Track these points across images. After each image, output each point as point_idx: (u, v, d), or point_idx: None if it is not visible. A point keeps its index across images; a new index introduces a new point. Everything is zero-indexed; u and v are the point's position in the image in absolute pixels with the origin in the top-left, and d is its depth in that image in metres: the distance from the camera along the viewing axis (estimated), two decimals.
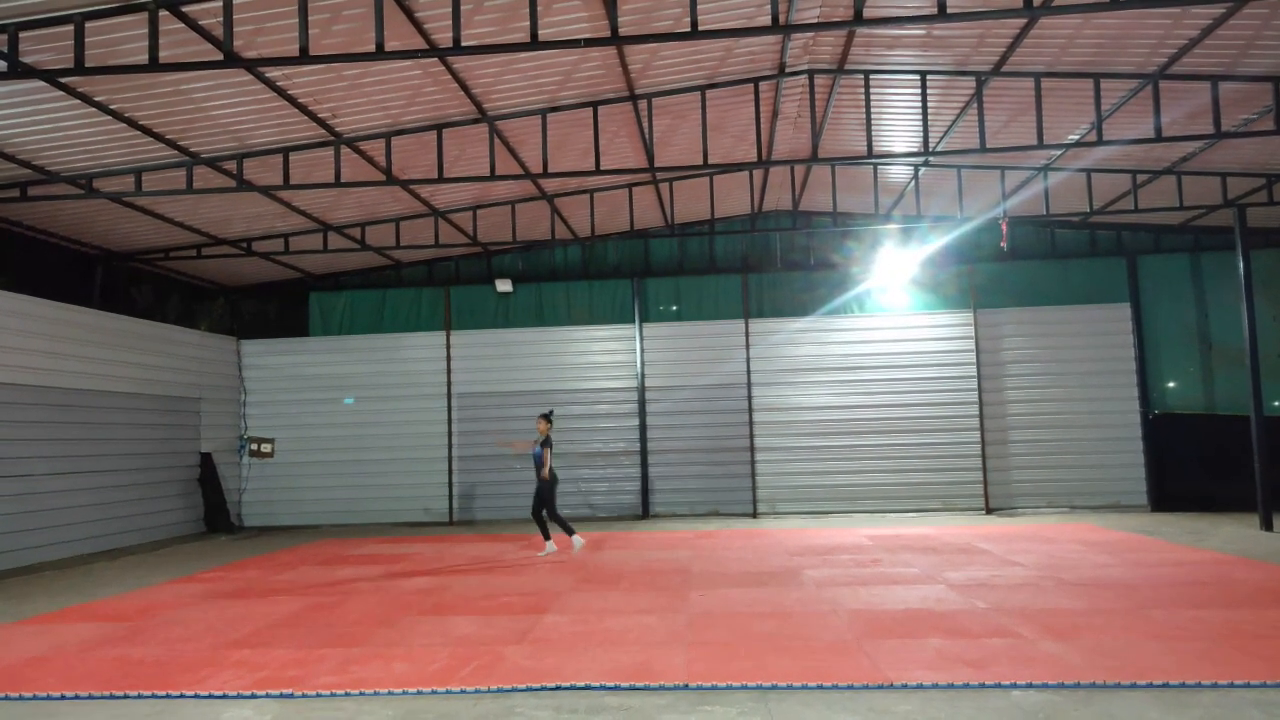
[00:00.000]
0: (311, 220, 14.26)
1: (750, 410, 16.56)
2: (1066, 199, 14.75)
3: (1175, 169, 13.09)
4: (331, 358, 17.38)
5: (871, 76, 10.92)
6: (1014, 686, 5.40)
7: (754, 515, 16.23)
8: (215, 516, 15.89)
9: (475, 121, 11.08)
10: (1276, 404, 15.12)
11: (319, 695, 5.61)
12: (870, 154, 11.16)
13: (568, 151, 12.67)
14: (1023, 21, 9.07)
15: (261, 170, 11.76)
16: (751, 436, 16.50)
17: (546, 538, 11.78)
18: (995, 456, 16.13)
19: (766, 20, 9.19)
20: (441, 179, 11.16)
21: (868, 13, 8.99)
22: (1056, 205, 14.94)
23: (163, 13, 7.67)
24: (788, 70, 10.91)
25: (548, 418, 11.91)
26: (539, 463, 11.59)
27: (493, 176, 11.20)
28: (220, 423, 16.62)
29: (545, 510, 11.68)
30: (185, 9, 7.70)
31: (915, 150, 13.09)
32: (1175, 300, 16.04)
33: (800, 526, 14.51)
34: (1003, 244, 14.22)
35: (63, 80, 8.60)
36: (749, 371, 16.66)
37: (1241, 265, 13.43)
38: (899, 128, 12.65)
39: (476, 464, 16.95)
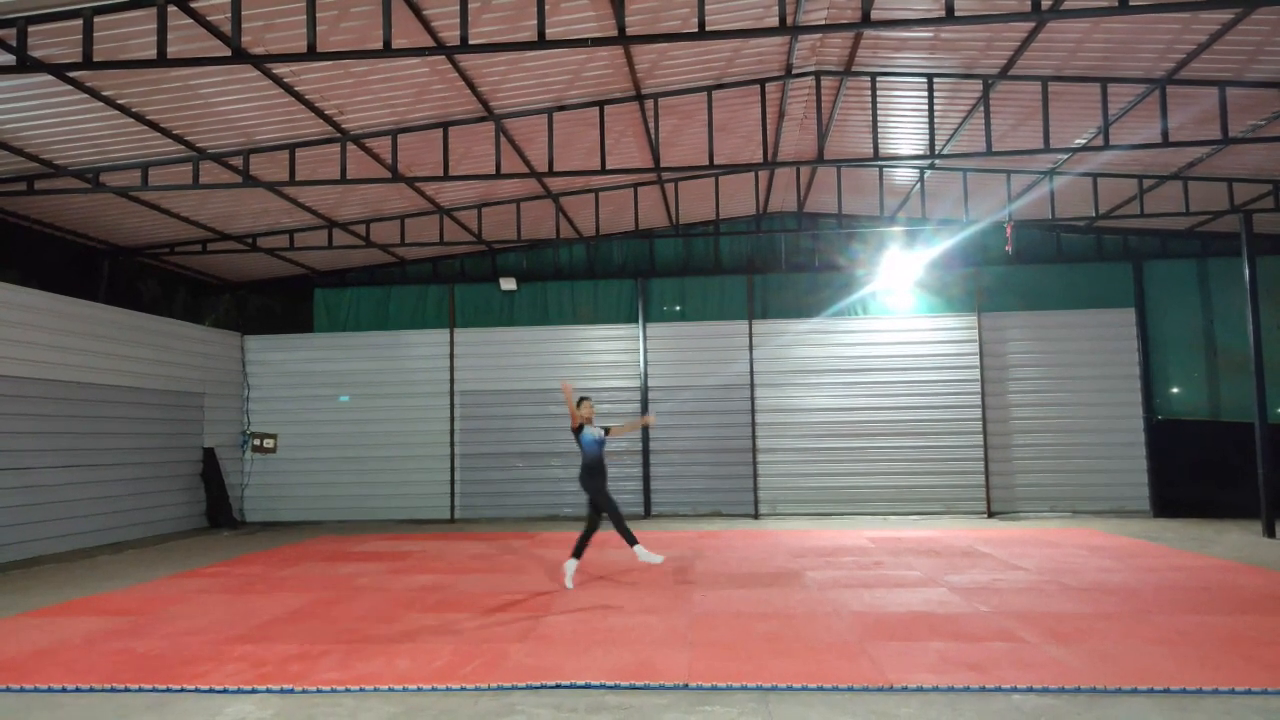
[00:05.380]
0: (317, 217, 14.28)
1: (753, 411, 16.56)
2: (1072, 203, 14.73)
3: (1182, 174, 13.06)
4: (336, 354, 17.40)
5: (878, 79, 10.91)
6: (1015, 690, 5.40)
7: (756, 516, 16.22)
8: (217, 511, 15.92)
9: (481, 120, 11.09)
10: None
11: (320, 691, 5.62)
12: (876, 156, 11.13)
13: (573, 150, 12.67)
14: (1030, 25, 9.06)
15: (268, 166, 11.77)
16: (754, 438, 16.49)
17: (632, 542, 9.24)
18: (998, 460, 16.11)
19: (774, 21, 9.19)
20: (447, 177, 11.16)
21: (875, 15, 8.99)
22: (1062, 209, 14.91)
23: (171, 8, 7.69)
24: (795, 72, 10.90)
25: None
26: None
27: (498, 175, 11.21)
28: (223, 418, 16.65)
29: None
30: (194, 4, 7.71)
31: (921, 153, 13.08)
32: (1180, 306, 16.01)
33: (802, 528, 14.50)
34: (1008, 248, 14.21)
35: (71, 74, 8.61)
36: (752, 373, 16.66)
37: (1247, 271, 13.40)
38: (905, 130, 12.64)
39: (479, 462, 16.96)
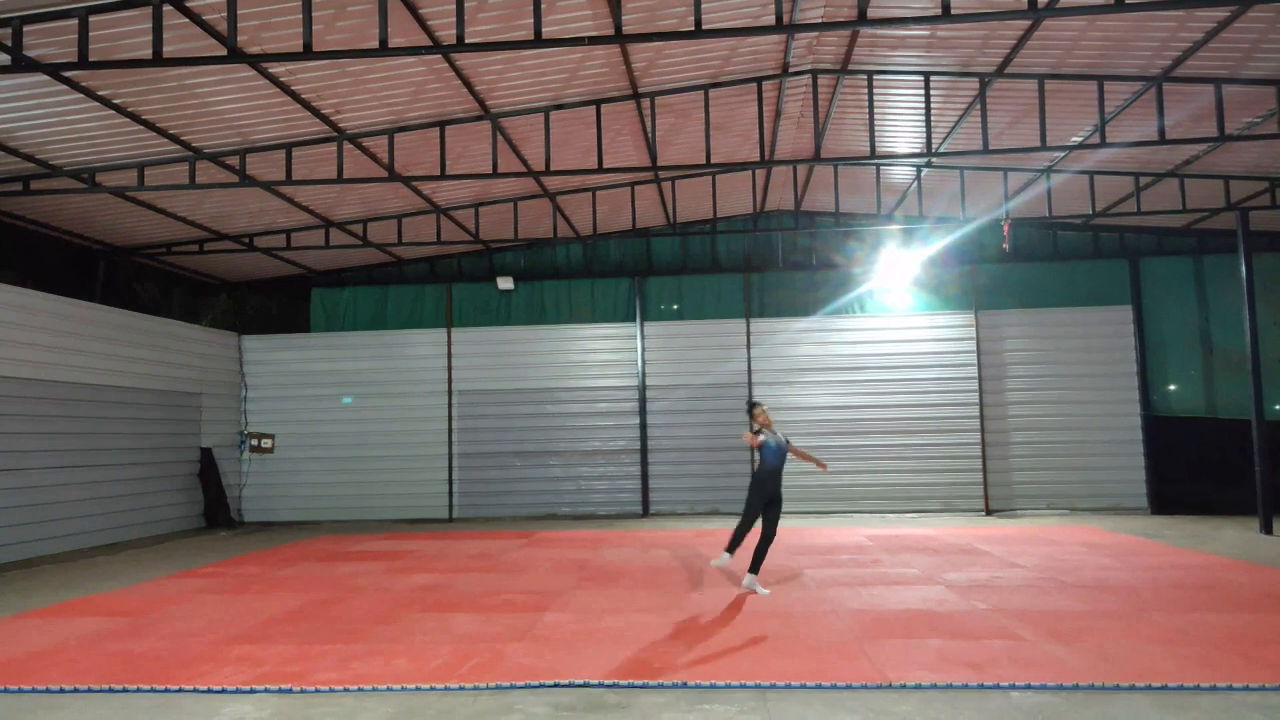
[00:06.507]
0: (314, 216, 14.27)
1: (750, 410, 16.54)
2: (1069, 201, 14.74)
3: (1178, 172, 13.08)
4: (333, 354, 17.38)
5: (875, 77, 10.91)
6: (1014, 688, 5.40)
7: None
8: (215, 511, 15.90)
9: (478, 119, 11.08)
10: (1277, 408, 15.11)
11: (318, 691, 5.62)
12: (873, 154, 11.13)
13: (570, 150, 12.67)
14: (1027, 23, 9.07)
15: (264, 166, 11.76)
16: None
17: (730, 548, 8.82)
18: (996, 458, 16.13)
19: (771, 20, 9.20)
20: (444, 176, 11.15)
21: (872, 13, 9.00)
22: (1059, 207, 14.93)
23: (166, 7, 7.67)
24: (791, 70, 10.90)
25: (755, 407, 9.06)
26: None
27: (495, 174, 11.20)
28: (221, 418, 16.63)
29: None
30: (189, 3, 7.70)
31: (918, 151, 13.09)
32: (1177, 303, 16.04)
33: (800, 526, 14.50)
34: (1005, 245, 14.22)
35: (66, 74, 8.60)
36: (750, 371, 16.66)
37: (1244, 269, 13.41)
38: (902, 128, 12.64)
39: (477, 461, 16.95)
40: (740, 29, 7.86)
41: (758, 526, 8.76)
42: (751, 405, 9.04)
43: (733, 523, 15.04)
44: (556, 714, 5.10)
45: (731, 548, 8.77)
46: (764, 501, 8.66)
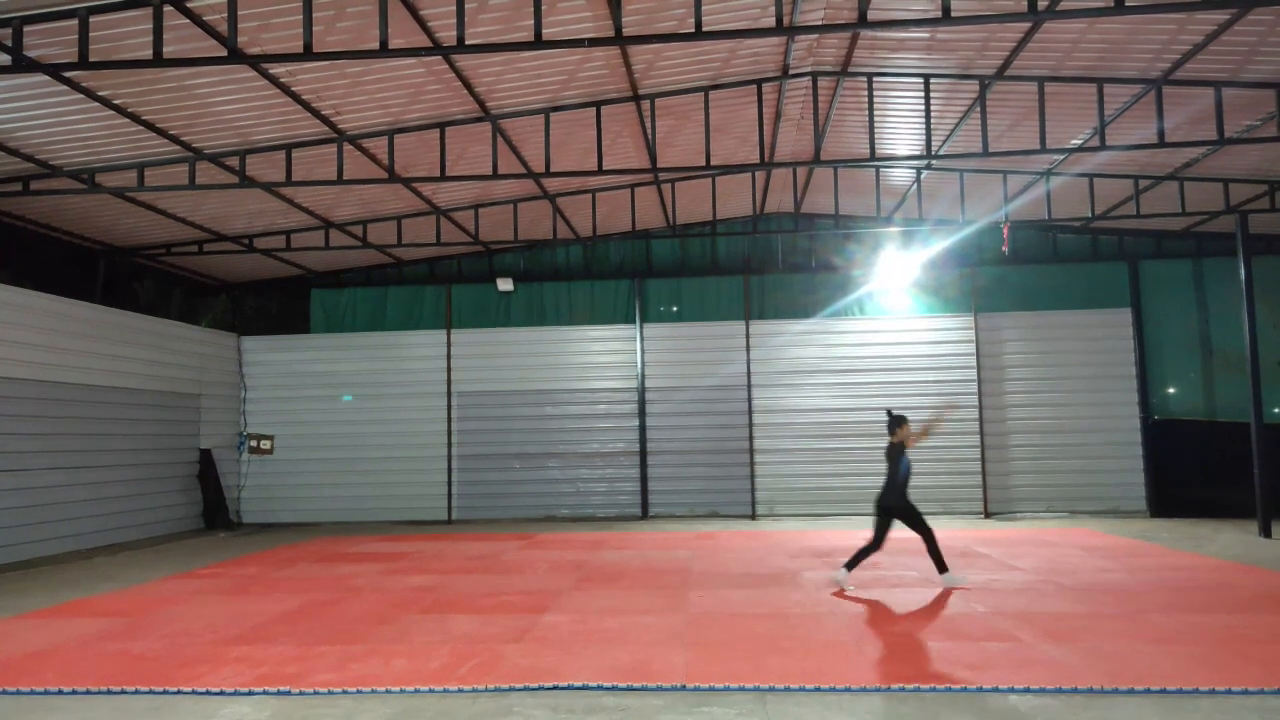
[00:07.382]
0: (313, 217, 14.27)
1: (750, 412, 16.56)
2: (1068, 203, 14.75)
3: (1177, 175, 13.09)
4: (332, 355, 17.38)
5: (875, 79, 10.91)
6: (1012, 690, 5.40)
7: (753, 517, 16.23)
8: (214, 513, 15.89)
9: (478, 120, 11.09)
10: (1276, 411, 15.12)
11: (317, 692, 5.61)
12: (873, 157, 11.13)
13: (570, 151, 12.68)
14: (1027, 26, 9.08)
15: (264, 167, 11.76)
16: (751, 438, 16.50)
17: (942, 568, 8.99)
18: (995, 460, 16.13)
19: (771, 22, 9.20)
20: (444, 177, 11.15)
21: (872, 15, 9.00)
22: (1058, 210, 14.94)
23: (167, 8, 7.67)
24: (791, 72, 10.91)
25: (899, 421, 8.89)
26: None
27: (495, 175, 11.20)
28: (220, 419, 16.62)
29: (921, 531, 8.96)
30: (190, 4, 7.70)
31: (918, 153, 13.09)
32: (1176, 306, 16.04)
33: (799, 528, 14.50)
34: (1004, 248, 14.23)
35: (67, 74, 8.60)
36: (749, 373, 16.66)
37: (1243, 271, 13.41)
38: (902, 131, 12.65)
39: (476, 463, 16.95)
40: (740, 31, 7.87)
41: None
42: (900, 419, 8.85)
43: (733, 525, 15.11)
44: (555, 716, 5.09)
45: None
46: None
